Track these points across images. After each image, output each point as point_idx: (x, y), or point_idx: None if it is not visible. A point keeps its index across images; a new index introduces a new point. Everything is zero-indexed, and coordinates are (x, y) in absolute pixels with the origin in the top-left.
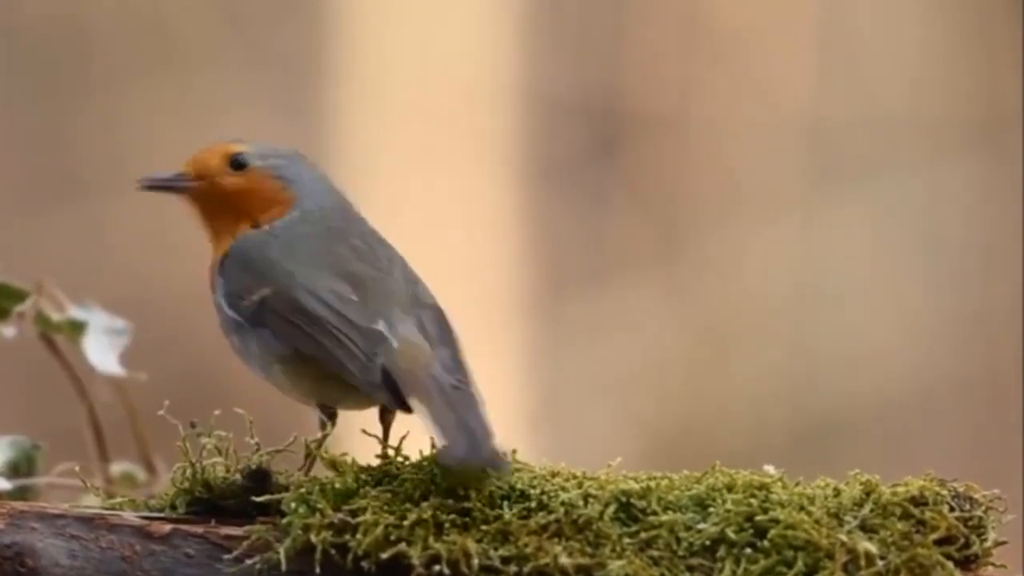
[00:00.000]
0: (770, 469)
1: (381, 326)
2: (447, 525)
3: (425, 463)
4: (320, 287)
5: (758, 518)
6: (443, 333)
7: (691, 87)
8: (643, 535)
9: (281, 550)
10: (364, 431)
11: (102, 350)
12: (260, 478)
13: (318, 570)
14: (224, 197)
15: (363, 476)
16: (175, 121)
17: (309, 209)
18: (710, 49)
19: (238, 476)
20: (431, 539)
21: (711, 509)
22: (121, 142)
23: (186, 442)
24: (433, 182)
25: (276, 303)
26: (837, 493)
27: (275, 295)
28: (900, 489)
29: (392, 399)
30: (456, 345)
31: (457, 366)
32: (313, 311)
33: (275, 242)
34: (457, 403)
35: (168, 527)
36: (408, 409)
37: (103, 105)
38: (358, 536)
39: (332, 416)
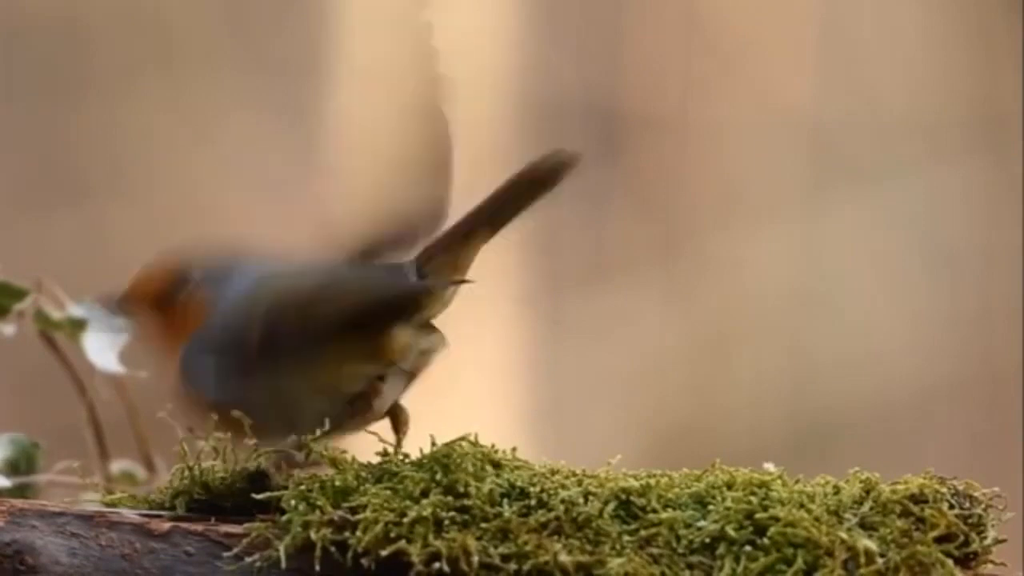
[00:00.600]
0: (770, 467)
1: None
2: (447, 522)
3: (425, 461)
4: None
5: (758, 516)
6: None
7: (691, 89)
8: (643, 533)
9: (281, 547)
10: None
11: (102, 348)
12: (259, 481)
13: (318, 568)
14: None
15: (363, 473)
16: (175, 122)
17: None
18: (710, 51)
19: (236, 482)
20: (431, 537)
21: (711, 507)
22: (121, 143)
23: (183, 445)
24: None
25: None
26: (837, 491)
27: None
28: (900, 487)
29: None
30: None
31: None
32: None
33: None
34: None
35: (168, 525)
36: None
37: (103, 106)
38: (358, 533)
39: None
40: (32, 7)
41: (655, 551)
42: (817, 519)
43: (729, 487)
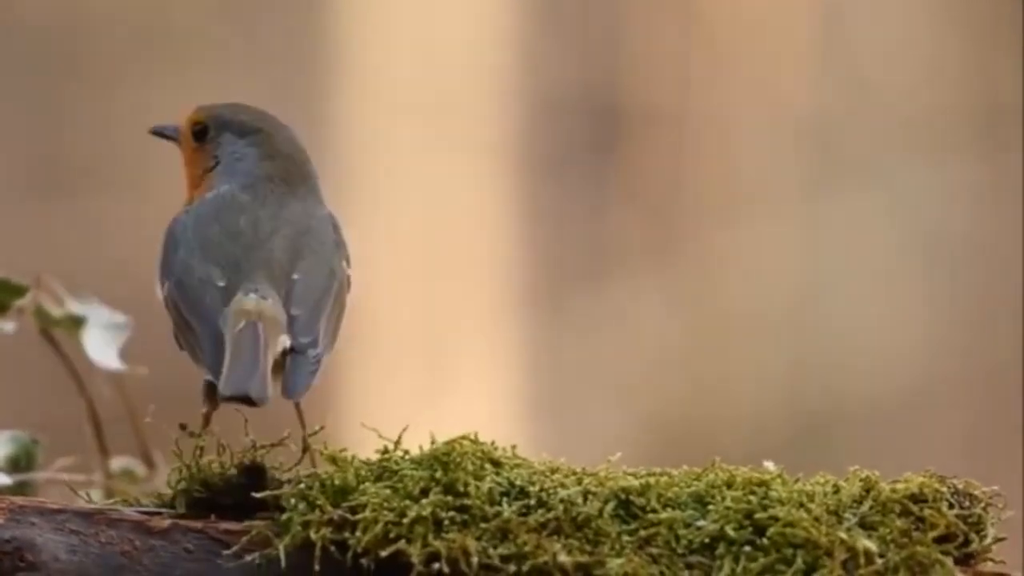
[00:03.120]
0: (769, 465)
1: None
2: (446, 522)
3: (425, 459)
4: (191, 278)
5: (757, 515)
6: (310, 295)
7: (691, 82)
8: (642, 533)
9: (280, 546)
10: (363, 424)
11: (102, 345)
12: (256, 474)
13: (317, 567)
14: (185, 162)
15: (363, 471)
16: (173, 115)
17: (221, 191)
18: (710, 44)
19: (233, 471)
20: (430, 537)
21: (710, 506)
22: (120, 136)
23: (179, 443)
24: (433, 178)
25: (172, 296)
26: (836, 490)
27: (171, 287)
28: (900, 486)
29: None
30: (322, 307)
31: (311, 326)
32: (182, 313)
33: (180, 228)
34: (242, 346)
35: (167, 522)
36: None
37: (102, 99)
38: (357, 533)
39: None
40: (29, 1)
41: (654, 551)
42: (817, 519)
43: (729, 486)
